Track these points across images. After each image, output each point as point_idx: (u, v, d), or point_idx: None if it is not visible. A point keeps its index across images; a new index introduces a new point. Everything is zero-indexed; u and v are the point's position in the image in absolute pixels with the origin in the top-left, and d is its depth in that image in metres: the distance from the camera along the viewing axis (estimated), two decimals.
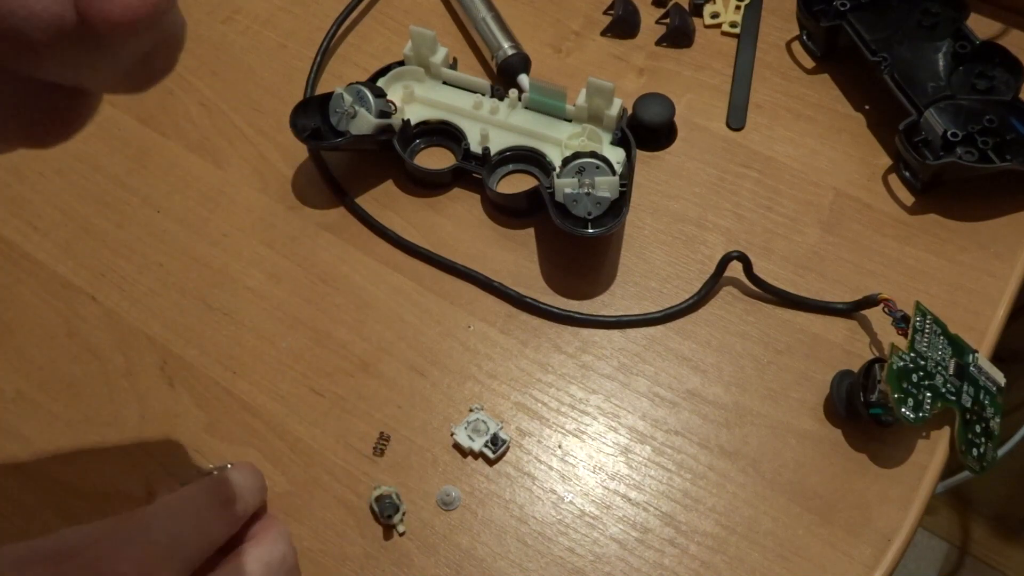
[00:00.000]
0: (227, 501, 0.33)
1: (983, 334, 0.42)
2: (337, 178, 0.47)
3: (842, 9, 0.48)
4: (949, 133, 0.43)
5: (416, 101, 0.47)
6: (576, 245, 0.45)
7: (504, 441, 0.39)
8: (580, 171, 0.42)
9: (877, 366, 0.38)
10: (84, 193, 0.48)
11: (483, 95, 0.47)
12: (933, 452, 0.39)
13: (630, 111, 0.47)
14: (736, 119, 0.49)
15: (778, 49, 0.51)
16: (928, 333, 0.39)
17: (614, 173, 0.42)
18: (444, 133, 0.47)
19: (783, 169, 0.47)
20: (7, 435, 0.41)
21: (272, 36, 0.53)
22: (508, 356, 0.42)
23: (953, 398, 0.38)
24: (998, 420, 0.40)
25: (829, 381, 0.40)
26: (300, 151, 0.48)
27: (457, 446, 0.40)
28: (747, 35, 0.51)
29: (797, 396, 0.41)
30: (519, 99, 0.46)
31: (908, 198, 0.46)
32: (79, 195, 0.48)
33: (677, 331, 0.43)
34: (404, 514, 0.38)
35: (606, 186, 0.41)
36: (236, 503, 0.33)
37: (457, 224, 0.46)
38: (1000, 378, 0.40)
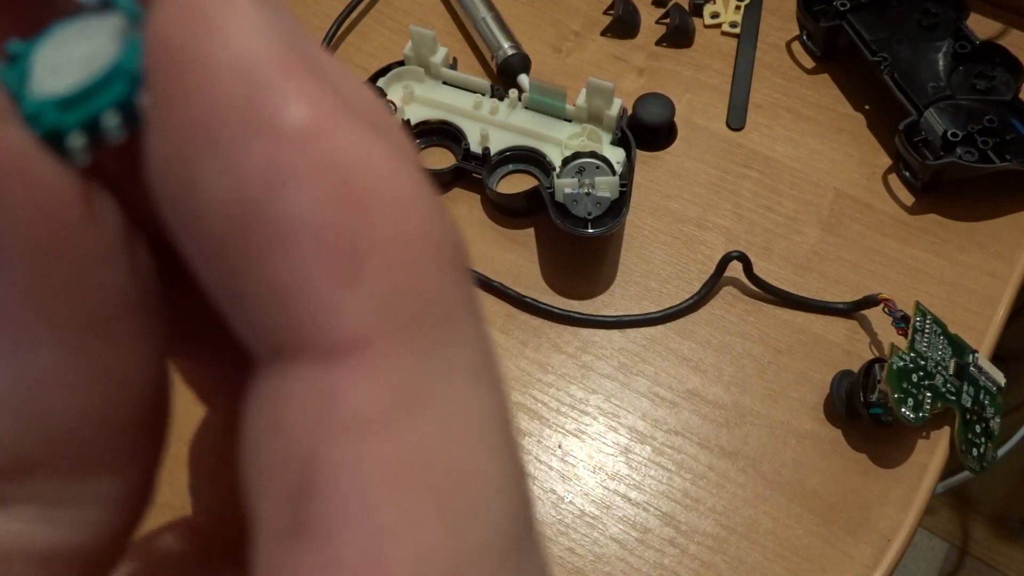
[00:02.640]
0: None
1: (983, 334, 0.42)
2: None
3: (842, 9, 0.48)
4: (949, 133, 0.43)
5: (416, 101, 0.47)
6: (576, 245, 0.45)
7: None
8: (580, 171, 0.42)
9: (877, 366, 0.38)
10: None
11: (483, 95, 0.47)
12: (933, 452, 0.39)
13: (630, 111, 0.47)
14: (736, 119, 0.49)
15: (778, 49, 0.51)
16: (928, 333, 0.39)
17: (614, 173, 0.42)
18: (444, 133, 0.47)
19: (783, 169, 0.47)
20: None
21: None
22: (508, 356, 0.42)
23: (953, 398, 0.38)
24: (998, 420, 0.40)
25: (829, 381, 0.40)
26: None
27: None
28: (747, 35, 0.51)
29: (797, 396, 0.41)
30: (519, 99, 0.46)
31: (908, 198, 0.46)
32: None
33: (677, 331, 0.43)
34: None
35: (606, 186, 0.41)
36: None
37: (457, 224, 0.46)
38: (1000, 378, 0.40)
